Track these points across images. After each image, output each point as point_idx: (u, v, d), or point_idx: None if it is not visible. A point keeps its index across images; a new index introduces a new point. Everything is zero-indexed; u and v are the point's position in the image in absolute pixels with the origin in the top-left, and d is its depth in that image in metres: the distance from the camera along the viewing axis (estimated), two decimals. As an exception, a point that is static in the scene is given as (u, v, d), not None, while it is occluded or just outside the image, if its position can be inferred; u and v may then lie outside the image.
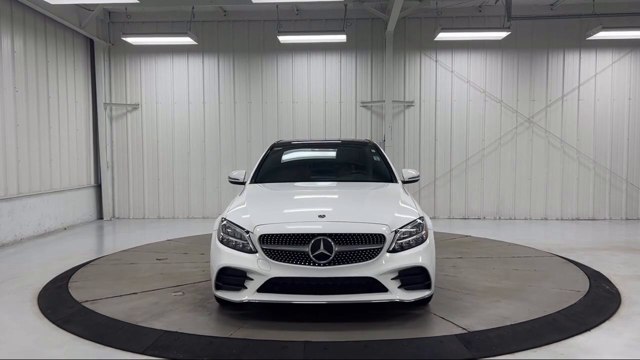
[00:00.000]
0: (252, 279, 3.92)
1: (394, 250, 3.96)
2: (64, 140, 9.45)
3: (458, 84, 10.36)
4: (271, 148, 6.02)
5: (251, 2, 8.12)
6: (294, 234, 3.91)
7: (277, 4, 9.49)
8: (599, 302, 4.63)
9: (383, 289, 3.87)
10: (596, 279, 5.42)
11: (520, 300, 4.63)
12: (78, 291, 5.03)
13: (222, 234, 4.20)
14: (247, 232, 4.04)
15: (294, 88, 10.55)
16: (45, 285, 5.33)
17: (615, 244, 7.58)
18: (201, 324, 4.12)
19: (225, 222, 4.25)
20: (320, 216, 4.08)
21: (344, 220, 4.06)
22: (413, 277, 3.97)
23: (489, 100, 10.37)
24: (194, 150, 10.69)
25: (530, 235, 8.49)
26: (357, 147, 6.42)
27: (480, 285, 5.17)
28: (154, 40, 10.02)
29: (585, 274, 5.61)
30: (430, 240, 4.17)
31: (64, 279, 5.53)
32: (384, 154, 5.99)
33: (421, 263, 3.98)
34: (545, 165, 10.36)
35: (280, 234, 3.93)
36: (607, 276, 5.57)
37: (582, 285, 5.14)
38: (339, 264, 3.85)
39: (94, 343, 3.78)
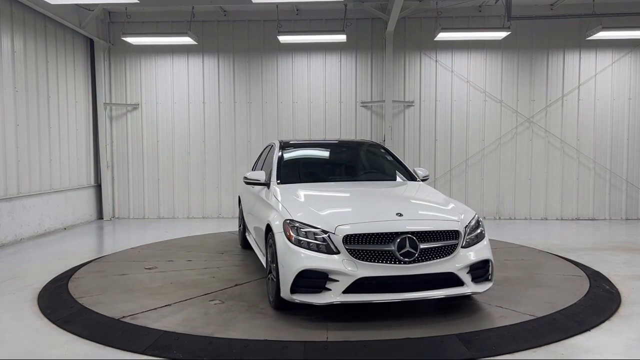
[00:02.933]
0: (336, 281, 3.84)
1: (465, 246, 4.15)
2: (64, 140, 9.45)
3: (458, 84, 10.36)
4: (282, 148, 5.80)
5: (251, 2, 8.12)
6: (379, 233, 3.92)
7: (277, 4, 9.49)
8: (599, 302, 4.63)
9: (460, 283, 4.04)
10: (596, 279, 5.42)
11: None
12: (100, 308, 4.63)
13: (294, 235, 4.05)
14: (326, 232, 3.96)
15: (294, 88, 10.56)
16: (45, 285, 5.32)
17: (615, 244, 7.58)
18: (282, 329, 3.97)
19: (296, 224, 4.10)
20: (398, 214, 4.11)
21: (421, 218, 4.21)
22: (480, 270, 4.18)
23: (489, 100, 10.37)
24: (194, 150, 10.69)
25: (530, 235, 8.49)
26: (369, 147, 6.44)
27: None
28: (154, 40, 10.02)
29: (585, 274, 5.61)
30: (486, 235, 4.44)
31: (64, 279, 5.53)
32: (394, 154, 6.15)
33: (488, 257, 4.24)
34: (545, 165, 10.36)
35: (366, 234, 3.92)
36: (607, 276, 5.57)
37: (582, 285, 5.14)
38: (422, 261, 3.93)
39: (94, 343, 3.78)
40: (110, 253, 6.98)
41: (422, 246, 3.92)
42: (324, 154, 6.39)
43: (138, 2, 8.04)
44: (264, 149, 6.96)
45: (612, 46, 10.09)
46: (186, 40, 9.54)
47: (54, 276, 5.68)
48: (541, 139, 10.34)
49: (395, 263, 3.88)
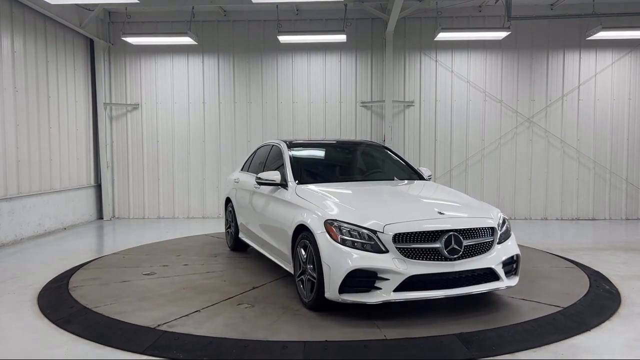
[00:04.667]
0: (387, 279, 3.88)
1: (499, 242, 4.33)
2: (64, 140, 9.45)
3: (458, 84, 10.36)
4: (289, 147, 5.74)
5: (251, 2, 8.12)
6: (428, 231, 4.02)
7: (277, 4, 9.49)
8: (599, 302, 4.64)
9: (497, 277, 4.21)
10: (596, 279, 5.42)
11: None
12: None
13: (339, 235, 4.05)
14: (374, 231, 3.99)
15: (293, 88, 10.56)
16: (45, 285, 5.32)
17: (615, 244, 7.59)
18: (332, 328, 3.93)
19: (340, 223, 4.10)
20: (439, 212, 4.24)
21: (461, 215, 4.33)
22: (511, 265, 4.37)
23: (489, 100, 10.37)
24: (194, 150, 10.69)
25: (530, 235, 8.49)
26: (374, 148, 6.51)
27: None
28: (154, 40, 10.02)
29: (585, 273, 5.61)
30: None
31: (64, 279, 5.53)
32: (399, 154, 6.25)
33: (517, 252, 4.43)
34: (545, 165, 10.36)
35: (415, 232, 4.00)
36: (607, 276, 5.57)
37: (582, 285, 5.14)
38: (465, 257, 4.06)
39: (94, 343, 3.77)
40: (97, 257, 6.60)
41: (465, 243, 4.06)
42: (333, 154, 6.35)
43: (138, 2, 8.05)
44: (258, 149, 6.82)
45: (612, 46, 10.09)
46: (186, 40, 9.54)
47: (54, 276, 5.68)
48: (541, 139, 10.34)
49: (440, 260, 3.99)
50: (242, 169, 7.05)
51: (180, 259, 6.45)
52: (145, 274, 5.69)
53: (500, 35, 9.39)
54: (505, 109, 10.36)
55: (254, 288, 5.10)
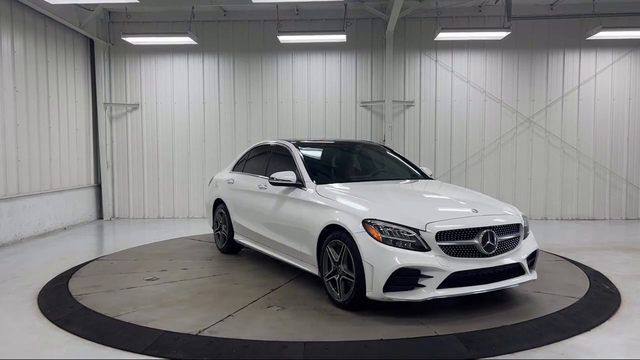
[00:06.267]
0: (430, 277, 3.95)
1: (523, 238, 4.54)
2: (64, 140, 9.45)
3: (458, 84, 10.37)
4: (297, 147, 5.69)
5: (251, 2, 8.12)
6: (467, 229, 4.14)
7: (277, 4, 9.49)
8: (599, 302, 4.63)
9: (523, 271, 4.40)
10: (596, 278, 5.42)
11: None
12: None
13: (381, 234, 4.07)
14: (416, 230, 4.05)
15: (294, 88, 10.56)
16: (45, 285, 5.32)
17: (615, 244, 7.59)
18: (378, 328, 3.93)
19: (379, 222, 4.12)
20: (474, 210, 4.38)
21: (493, 213, 4.46)
22: (531, 259, 4.54)
23: (489, 100, 10.37)
24: (194, 150, 10.69)
25: (530, 235, 8.48)
26: (380, 148, 6.59)
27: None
28: (154, 40, 10.02)
29: (585, 273, 5.61)
30: None
31: (64, 279, 5.52)
32: (402, 155, 6.39)
33: (537, 247, 4.65)
34: (545, 165, 10.36)
35: (456, 230, 4.10)
36: (607, 276, 5.57)
37: (582, 285, 5.14)
38: (499, 253, 4.22)
39: (94, 343, 3.77)
40: (82, 263, 6.29)
41: (499, 239, 4.23)
42: (343, 154, 6.32)
43: (138, 2, 8.05)
44: (253, 149, 6.65)
45: (612, 46, 10.09)
46: (186, 40, 9.54)
47: (54, 276, 5.67)
48: (541, 139, 10.34)
49: (477, 256, 4.12)
50: (233, 170, 6.84)
51: (175, 263, 6.21)
52: (147, 280, 5.45)
53: (500, 35, 9.39)
54: (505, 109, 10.36)
55: (272, 290, 5.01)
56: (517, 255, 4.35)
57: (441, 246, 4.03)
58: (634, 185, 10.27)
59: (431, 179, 5.91)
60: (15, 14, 8.08)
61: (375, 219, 4.15)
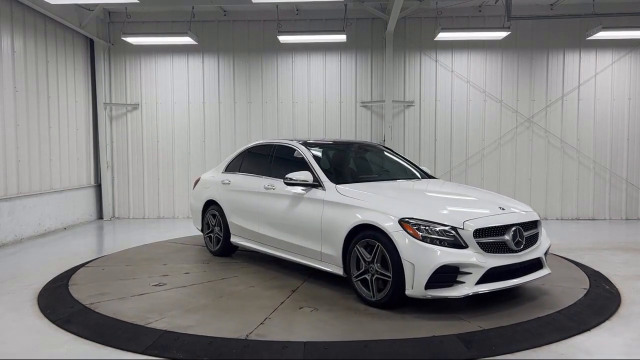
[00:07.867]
0: (469, 273, 4.07)
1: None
2: (64, 140, 9.46)
3: (458, 84, 10.37)
4: (306, 147, 5.60)
5: (251, 2, 8.12)
6: (501, 226, 4.31)
7: (277, 4, 9.49)
8: (599, 302, 4.63)
9: (542, 266, 4.65)
10: (596, 278, 5.41)
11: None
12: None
13: (420, 232, 4.12)
14: (453, 227, 4.15)
15: (294, 88, 10.56)
16: (45, 285, 5.32)
17: (615, 244, 7.59)
18: (424, 327, 3.95)
19: (416, 221, 4.17)
20: (501, 208, 4.56)
21: (518, 210, 4.65)
22: (546, 255, 4.74)
23: (489, 100, 10.37)
24: (194, 150, 10.69)
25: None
26: (382, 149, 6.65)
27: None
28: (154, 40, 10.02)
29: (585, 273, 5.60)
30: None
31: (64, 279, 5.52)
32: (404, 155, 6.48)
33: (550, 243, 4.87)
34: (545, 165, 10.36)
35: (491, 227, 4.26)
36: (607, 276, 5.57)
37: (582, 285, 5.14)
38: (525, 249, 4.43)
39: (94, 343, 3.77)
40: (70, 268, 6.01)
41: (525, 235, 4.43)
42: (352, 154, 6.28)
43: (138, 2, 8.05)
44: (249, 150, 6.50)
45: (612, 46, 10.09)
46: (186, 40, 9.54)
47: (54, 276, 5.67)
48: (541, 139, 10.34)
49: (507, 252, 4.29)
50: (226, 171, 6.63)
51: (171, 267, 5.96)
52: (155, 285, 5.19)
53: (500, 35, 9.39)
54: (505, 109, 10.36)
55: (292, 292, 4.93)
56: (538, 250, 4.58)
57: (478, 243, 4.16)
58: (634, 185, 10.27)
59: (436, 178, 6.05)
60: (15, 14, 8.08)
61: (413, 218, 4.22)
